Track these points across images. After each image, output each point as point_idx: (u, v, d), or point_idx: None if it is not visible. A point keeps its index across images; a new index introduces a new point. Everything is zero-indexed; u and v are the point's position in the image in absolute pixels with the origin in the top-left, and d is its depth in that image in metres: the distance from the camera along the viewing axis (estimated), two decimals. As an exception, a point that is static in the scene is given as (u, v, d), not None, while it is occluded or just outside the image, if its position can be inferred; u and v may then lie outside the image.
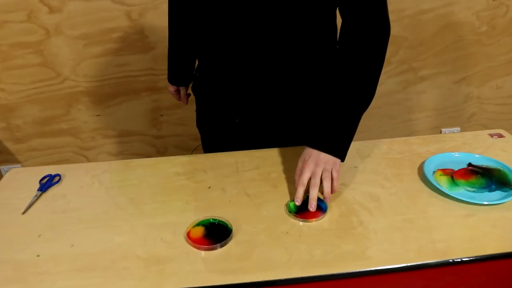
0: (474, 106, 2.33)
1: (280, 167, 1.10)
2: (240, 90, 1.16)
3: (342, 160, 1.00)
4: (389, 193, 0.99)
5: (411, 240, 0.86)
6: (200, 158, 1.16)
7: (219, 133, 1.30)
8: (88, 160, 2.26)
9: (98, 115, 2.17)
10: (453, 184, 1.01)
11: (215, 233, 0.89)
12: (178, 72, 1.39)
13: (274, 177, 1.06)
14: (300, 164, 1.00)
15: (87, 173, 1.12)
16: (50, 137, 2.20)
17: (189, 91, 1.41)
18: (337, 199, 0.98)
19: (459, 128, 2.37)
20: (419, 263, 0.81)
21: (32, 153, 2.24)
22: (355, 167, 1.09)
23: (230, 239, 0.88)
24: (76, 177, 1.10)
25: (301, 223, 0.91)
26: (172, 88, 1.42)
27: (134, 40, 2.00)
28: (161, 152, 2.27)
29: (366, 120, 1.56)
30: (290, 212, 0.94)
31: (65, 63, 2.03)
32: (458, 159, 1.10)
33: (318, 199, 0.97)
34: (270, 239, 0.87)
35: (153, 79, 2.09)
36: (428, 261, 0.81)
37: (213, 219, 0.93)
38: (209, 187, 1.04)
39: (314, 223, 0.91)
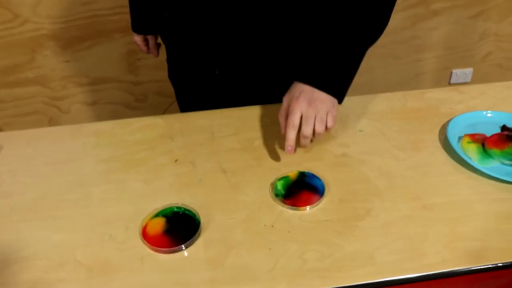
0: (490, 44, 2.04)
1: (265, 132, 0.87)
2: (219, 34, 0.89)
3: (340, 102, 0.77)
4: (404, 167, 0.77)
5: (433, 236, 0.64)
6: (168, 120, 0.92)
7: (196, 88, 1.05)
8: (61, 111, 2.02)
9: (67, 61, 1.89)
10: (484, 155, 0.78)
11: (179, 228, 0.68)
12: (144, 16, 1.11)
13: (258, 146, 0.83)
14: (286, 102, 0.77)
15: (28, 144, 0.88)
16: (17, 87, 1.93)
17: (160, 40, 1.14)
18: (338, 177, 0.75)
19: (471, 69, 2.10)
20: (445, 270, 0.61)
21: (-1, 105, 2.00)
22: (360, 131, 0.86)
23: (198, 236, 0.66)
24: (15, 150, 0.87)
25: (290, 211, 0.70)
26: (137, 38, 1.14)
27: (100, -29, 1.69)
28: (141, 99, 2.02)
29: (368, 60, 1.31)
30: (277, 195, 0.72)
31: (22, 2, 1.72)
32: (491, 119, 0.86)
33: (315, 177, 0.75)
34: (250, 236, 0.66)
35: (126, 19, 1.76)
36: (457, 268, 0.61)
37: (177, 207, 0.71)
38: (176, 160, 0.81)
39: (307, 212, 0.70)
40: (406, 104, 0.93)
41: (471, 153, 0.78)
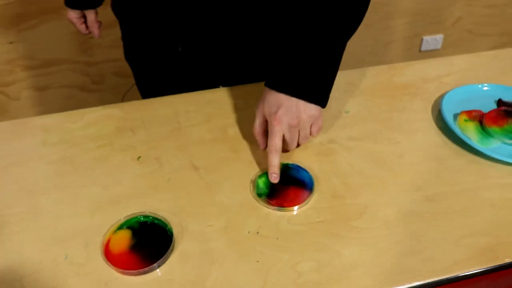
0: (460, 9, 1.98)
1: (240, 117, 0.76)
2: (182, 2, 0.77)
3: (324, 106, 0.67)
4: (398, 152, 0.68)
5: (440, 233, 0.56)
6: (126, 110, 0.79)
7: (157, 69, 0.92)
8: (10, 98, 1.82)
9: (11, 43, 1.69)
10: (484, 134, 0.70)
11: (149, 242, 0.57)
12: None
13: (233, 135, 0.72)
14: (260, 116, 0.66)
15: (-39, 144, 0.74)
16: (-44, 73, 1.73)
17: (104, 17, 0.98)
18: (327, 168, 0.66)
19: (442, 35, 2.04)
20: (458, 274, 0.53)
21: None
22: (346, 112, 0.76)
23: (172, 251, 0.56)
24: None
25: (277, 213, 0.60)
26: (72, 14, 0.93)
27: None
28: (98, 81, 1.85)
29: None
30: (260, 195, 0.62)
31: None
32: (486, 93, 0.78)
33: (301, 169, 0.65)
34: (233, 247, 0.56)
35: (74, -8, 1.61)
36: (470, 271, 0.53)
37: (144, 216, 0.60)
38: (139, 158, 0.69)
39: (297, 213, 0.60)
40: (392, 79, 0.84)
41: (470, 133, 0.70)
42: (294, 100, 0.63)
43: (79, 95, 1.86)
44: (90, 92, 1.87)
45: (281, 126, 0.62)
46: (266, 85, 0.65)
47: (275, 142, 0.62)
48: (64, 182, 0.66)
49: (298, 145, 0.67)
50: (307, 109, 0.63)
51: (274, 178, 0.62)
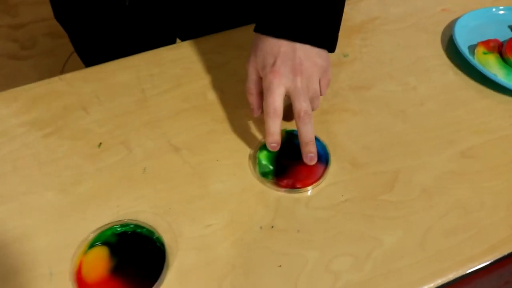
0: None
1: (218, 76, 0.60)
2: None
3: (333, 50, 0.52)
4: (417, 100, 0.55)
5: (488, 199, 0.45)
6: (72, 81, 0.60)
7: (97, 29, 0.72)
8: None
9: None
10: (507, 67, 0.59)
11: (133, 259, 0.43)
12: None
13: (215, 101, 0.57)
14: (253, 72, 0.49)
15: None
16: None
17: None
18: (338, 130, 0.52)
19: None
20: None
21: None
22: (345, 56, 0.62)
23: (166, 269, 0.42)
24: None
25: (290, 196, 0.47)
26: None
27: None
28: (28, 46, 1.58)
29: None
30: (264, 175, 0.48)
31: None
32: (499, 18, 0.66)
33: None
34: (244, 251, 0.43)
35: None
36: (538, 238, 0.43)
37: (120, 226, 0.45)
38: (100, 145, 0.53)
39: (314, 193, 0.47)
40: (388, 9, 0.69)
41: (493, 67, 0.58)
42: (296, 46, 0.47)
43: (9, 64, 1.58)
44: (21, 59, 1.59)
45: (280, 79, 0.46)
46: (256, 30, 0.49)
47: (274, 100, 0.46)
48: (8, 190, 0.49)
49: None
50: (313, 56, 0.48)
51: (273, 147, 0.48)
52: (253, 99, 0.50)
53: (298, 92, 0.46)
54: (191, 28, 0.72)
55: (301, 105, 0.46)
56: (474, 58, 0.59)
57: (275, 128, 0.47)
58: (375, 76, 0.58)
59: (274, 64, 0.47)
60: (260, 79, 0.49)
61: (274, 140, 0.47)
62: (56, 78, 0.61)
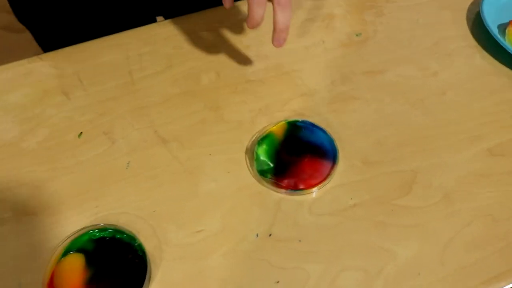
0: None
1: (215, 56, 0.53)
2: None
3: None
4: (439, 88, 0.49)
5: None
6: (52, 61, 0.54)
7: (69, 7, 0.64)
8: None
9: None
10: (545, 48, 0.51)
11: (112, 269, 0.37)
12: None
13: (209, 85, 0.50)
14: None
15: None
16: None
17: None
18: (347, 121, 0.45)
19: None
20: (562, 263, 0.37)
21: None
22: (357, 35, 0.55)
23: (148, 282, 0.37)
24: None
25: (292, 198, 0.41)
26: None
27: None
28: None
29: None
30: (263, 174, 0.42)
31: None
32: (533, -7, 0.58)
33: (315, 127, 0.45)
34: (237, 263, 0.37)
35: None
36: None
37: (98, 230, 0.39)
38: (80, 135, 0.47)
39: (319, 195, 0.41)
40: (406, -16, 0.62)
41: (527, 49, 0.51)
42: None
43: (5, 37, 1.52)
44: (19, 32, 1.53)
45: None
46: None
47: None
48: (-28, 185, 0.43)
49: None
50: None
51: (253, 26, 0.42)
52: None
53: None
54: (173, 5, 0.64)
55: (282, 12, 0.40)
56: (505, 40, 0.51)
57: (260, 13, 0.41)
58: (391, 59, 0.51)
59: None
60: None
61: (255, 24, 0.42)
62: (36, 58, 0.55)
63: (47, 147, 0.46)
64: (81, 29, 0.61)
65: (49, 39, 0.65)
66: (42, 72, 0.53)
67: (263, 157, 0.43)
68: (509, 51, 0.49)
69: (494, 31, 0.51)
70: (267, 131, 0.45)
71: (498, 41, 0.50)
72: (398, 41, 0.53)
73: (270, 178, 0.41)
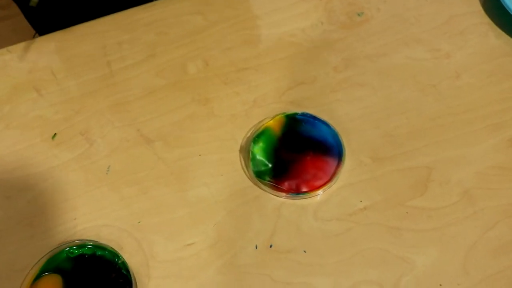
0: None
1: (203, 42, 0.48)
2: None
3: None
4: (452, 71, 0.43)
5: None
6: (19, 53, 0.48)
7: None
8: None
9: None
10: None
11: (92, 292, 0.33)
12: None
13: (197, 75, 0.45)
14: None
15: None
16: None
17: None
18: (352, 111, 0.40)
19: None
20: None
21: None
22: (359, 15, 0.49)
23: (134, 306, 0.32)
24: None
25: (293, 203, 0.36)
26: None
27: None
28: (4, 6, 1.43)
29: None
30: (260, 176, 0.38)
31: None
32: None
33: (317, 120, 0.40)
34: (234, 280, 0.33)
35: None
36: None
37: (77, 247, 0.35)
38: (54, 136, 0.42)
39: (324, 198, 0.37)
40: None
41: (546, 25, 0.46)
42: None
43: (-17, 25, 1.44)
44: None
45: None
46: None
47: None
48: None
49: None
50: None
51: None
52: None
53: None
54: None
55: None
56: (521, 15, 0.46)
57: None
58: (397, 41, 0.46)
59: None
60: None
61: None
62: (4, 50, 0.49)
63: (17, 151, 0.41)
64: (54, 16, 0.55)
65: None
66: (11, 66, 0.47)
67: (259, 156, 0.38)
68: (528, 28, 0.45)
69: (510, 5, 0.46)
70: (263, 126, 0.40)
71: (516, 17, 0.45)
72: (405, 19, 0.48)
73: (269, 181, 0.37)
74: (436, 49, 0.45)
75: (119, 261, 0.33)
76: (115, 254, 0.34)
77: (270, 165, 0.38)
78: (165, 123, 0.41)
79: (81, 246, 0.34)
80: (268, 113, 0.41)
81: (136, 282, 0.33)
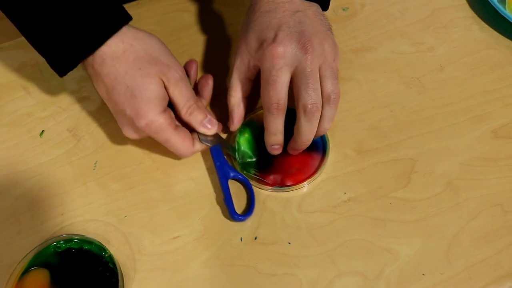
0: None
1: (189, 39, 0.48)
2: None
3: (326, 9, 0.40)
4: (436, 64, 0.44)
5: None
6: (6, 51, 0.48)
7: None
8: None
9: None
10: (548, 16, 0.47)
11: (81, 284, 0.33)
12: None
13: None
14: (245, 53, 0.36)
15: None
16: None
17: None
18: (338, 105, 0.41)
19: None
20: None
21: None
22: (344, 10, 0.49)
23: (120, 298, 0.32)
24: None
25: (279, 196, 0.36)
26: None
27: None
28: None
29: None
30: (246, 168, 0.38)
31: None
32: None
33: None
34: (220, 272, 0.32)
35: None
36: None
37: (64, 242, 0.35)
38: (42, 133, 0.42)
39: (309, 190, 0.37)
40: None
41: (529, 18, 0.46)
42: (304, 5, 0.35)
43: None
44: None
45: (285, 58, 0.33)
46: None
47: (277, 91, 0.33)
48: None
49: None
50: (319, 24, 0.35)
51: (275, 150, 0.36)
52: (234, 103, 0.37)
53: (305, 75, 0.33)
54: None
55: (310, 95, 0.33)
56: (505, 8, 0.46)
57: (278, 126, 0.35)
58: (382, 35, 0.46)
59: (275, 37, 0.33)
60: (253, 69, 0.36)
61: (277, 141, 0.36)
62: (-9, 45, 0.49)
63: (5, 148, 0.40)
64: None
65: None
66: (-1, 63, 0.47)
67: (243, 147, 0.38)
68: (510, 21, 0.45)
69: (496, 3, 0.46)
70: (248, 118, 0.40)
71: (498, 10, 0.45)
72: (389, 14, 0.48)
73: (254, 174, 0.37)
74: (420, 43, 0.45)
75: (106, 255, 0.33)
76: (102, 248, 0.33)
77: (255, 158, 0.38)
78: (152, 118, 0.41)
79: (68, 240, 0.34)
80: (252, 107, 0.41)
81: (122, 275, 0.32)
